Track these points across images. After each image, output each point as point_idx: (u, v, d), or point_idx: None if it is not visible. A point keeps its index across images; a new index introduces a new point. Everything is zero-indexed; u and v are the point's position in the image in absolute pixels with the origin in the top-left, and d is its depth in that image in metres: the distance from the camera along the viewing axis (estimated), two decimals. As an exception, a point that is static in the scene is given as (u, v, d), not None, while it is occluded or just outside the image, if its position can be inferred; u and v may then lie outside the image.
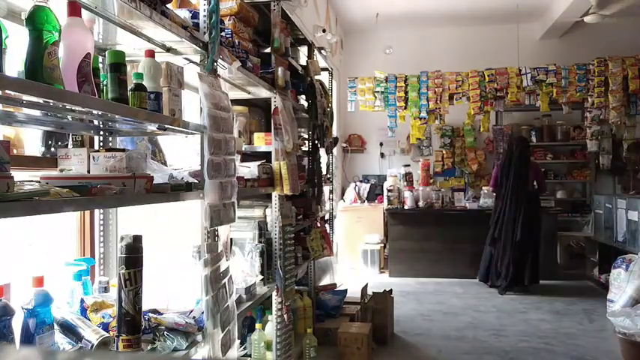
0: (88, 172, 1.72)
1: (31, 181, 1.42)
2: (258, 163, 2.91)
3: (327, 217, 4.70)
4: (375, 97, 6.85)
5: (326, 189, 4.75)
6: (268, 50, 3.08)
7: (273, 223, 3.06)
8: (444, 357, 3.83)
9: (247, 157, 3.18)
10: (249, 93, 3.13)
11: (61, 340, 1.59)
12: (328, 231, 4.35)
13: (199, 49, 2.07)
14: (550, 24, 7.22)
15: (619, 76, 6.19)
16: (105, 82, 1.73)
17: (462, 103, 6.71)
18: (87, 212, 2.13)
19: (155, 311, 1.85)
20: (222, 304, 2.04)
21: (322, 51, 4.69)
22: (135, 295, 1.64)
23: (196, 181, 2.02)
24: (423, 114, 6.68)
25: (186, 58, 2.17)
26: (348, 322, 3.97)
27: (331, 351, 3.69)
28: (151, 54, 1.84)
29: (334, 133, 5.17)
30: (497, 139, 7.15)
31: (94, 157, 1.71)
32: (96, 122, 1.86)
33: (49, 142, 1.94)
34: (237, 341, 2.20)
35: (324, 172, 4.46)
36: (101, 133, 2.06)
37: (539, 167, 6.15)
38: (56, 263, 1.92)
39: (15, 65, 1.43)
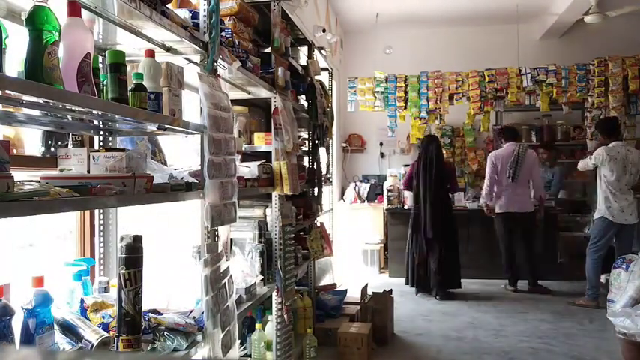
0: (88, 172, 1.72)
1: (31, 181, 1.42)
2: (258, 163, 2.91)
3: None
4: (375, 97, 6.84)
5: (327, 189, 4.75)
6: (268, 50, 3.08)
7: (273, 223, 3.06)
8: (443, 357, 3.83)
9: (247, 157, 3.18)
10: (249, 93, 3.13)
11: (61, 340, 1.59)
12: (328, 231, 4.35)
13: (199, 49, 2.07)
14: (550, 24, 7.22)
15: (619, 76, 6.18)
16: (105, 82, 1.73)
17: (461, 103, 6.71)
18: (87, 212, 2.12)
19: (155, 311, 1.85)
20: (222, 304, 2.04)
21: (322, 51, 4.69)
22: (135, 295, 1.64)
23: (196, 181, 2.02)
24: (423, 114, 6.68)
25: (186, 58, 2.17)
26: (348, 322, 3.97)
27: (331, 351, 3.69)
28: (151, 54, 1.84)
29: (334, 133, 5.17)
30: (498, 139, 7.14)
31: (94, 157, 1.71)
32: (96, 122, 1.86)
33: (49, 142, 1.94)
34: (238, 341, 2.20)
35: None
36: (101, 133, 2.06)
37: (453, 167, 6.40)
38: (56, 263, 1.92)
39: (15, 65, 1.43)
